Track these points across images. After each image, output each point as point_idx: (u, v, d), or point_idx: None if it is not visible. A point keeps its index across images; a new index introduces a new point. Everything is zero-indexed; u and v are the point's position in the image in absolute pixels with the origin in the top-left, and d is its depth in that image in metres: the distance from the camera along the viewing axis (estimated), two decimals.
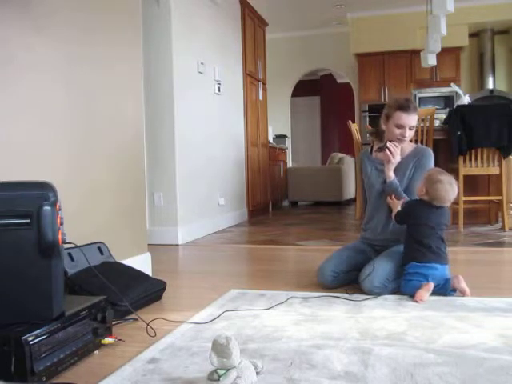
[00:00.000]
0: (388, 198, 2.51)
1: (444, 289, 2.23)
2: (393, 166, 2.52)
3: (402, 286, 2.29)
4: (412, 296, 2.21)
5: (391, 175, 2.53)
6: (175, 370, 1.49)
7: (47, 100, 2.19)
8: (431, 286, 2.19)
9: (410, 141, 2.68)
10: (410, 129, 2.51)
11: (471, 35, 8.22)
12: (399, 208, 2.44)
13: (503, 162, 4.43)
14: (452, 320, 1.91)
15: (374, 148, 2.70)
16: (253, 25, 6.43)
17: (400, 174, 2.56)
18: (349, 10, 8.12)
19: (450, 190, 2.30)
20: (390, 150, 2.50)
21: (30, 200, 1.47)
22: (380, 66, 8.34)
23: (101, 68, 2.56)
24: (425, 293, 2.17)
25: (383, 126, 2.59)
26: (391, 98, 2.68)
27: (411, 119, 2.49)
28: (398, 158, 2.52)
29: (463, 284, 2.24)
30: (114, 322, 1.84)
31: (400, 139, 2.53)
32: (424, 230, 2.31)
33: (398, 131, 2.51)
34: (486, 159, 4.47)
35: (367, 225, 2.71)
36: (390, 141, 2.54)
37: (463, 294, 2.23)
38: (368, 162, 2.71)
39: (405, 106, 2.48)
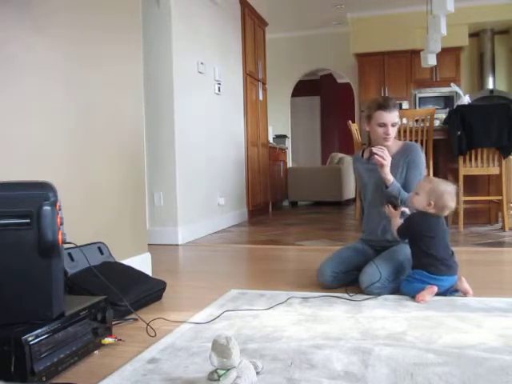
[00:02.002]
0: (386, 207, 2.44)
1: (447, 292, 2.23)
2: (388, 169, 2.49)
3: (403, 286, 2.28)
4: (413, 296, 2.22)
5: (390, 178, 2.49)
6: (175, 370, 1.49)
7: (47, 100, 2.19)
8: (435, 289, 2.18)
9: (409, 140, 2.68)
10: (393, 125, 2.52)
11: (471, 35, 8.22)
12: (399, 221, 2.36)
13: (503, 162, 4.43)
14: (452, 320, 1.91)
15: (365, 155, 2.71)
16: (253, 25, 6.43)
17: (393, 172, 2.56)
18: (349, 10, 8.13)
19: (455, 198, 2.27)
20: (377, 154, 2.47)
21: (30, 200, 1.47)
22: (380, 66, 8.35)
23: (101, 68, 2.56)
24: (428, 295, 2.16)
25: (367, 128, 2.62)
26: (370, 99, 2.69)
27: (392, 116, 2.50)
28: (388, 159, 2.49)
29: (466, 284, 2.23)
30: (114, 322, 1.84)
31: (385, 138, 2.54)
32: (433, 243, 2.24)
33: (381, 130, 2.53)
34: (486, 159, 4.47)
35: (366, 226, 2.71)
36: (372, 147, 2.55)
37: (466, 294, 2.22)
38: (359, 164, 2.74)
39: (384, 105, 2.50)
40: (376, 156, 2.47)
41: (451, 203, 2.25)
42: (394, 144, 2.63)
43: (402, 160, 2.57)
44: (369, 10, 8.07)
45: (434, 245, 2.24)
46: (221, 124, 5.30)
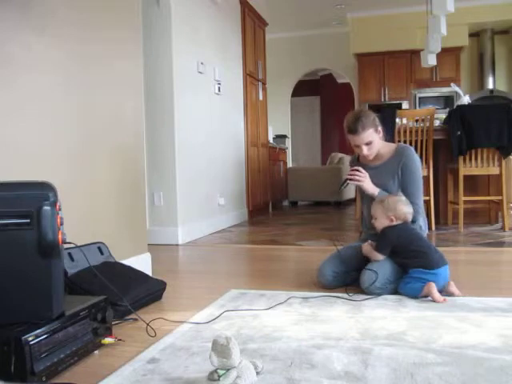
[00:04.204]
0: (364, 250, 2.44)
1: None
2: (367, 185, 2.53)
3: (402, 288, 2.28)
4: (411, 297, 2.22)
5: (373, 192, 2.53)
6: (175, 370, 1.49)
7: (47, 100, 2.19)
8: (433, 284, 2.18)
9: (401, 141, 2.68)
10: (368, 144, 2.53)
11: (471, 35, 8.22)
12: (371, 247, 2.39)
13: (503, 162, 4.43)
14: (452, 320, 1.91)
15: (361, 157, 2.72)
16: (253, 25, 6.43)
17: (387, 177, 2.56)
18: (349, 10, 8.13)
19: (406, 202, 2.40)
20: (352, 180, 2.54)
21: (30, 200, 1.47)
22: (380, 66, 8.35)
23: (101, 67, 2.56)
24: (437, 292, 2.17)
25: None
26: (348, 114, 2.70)
27: (362, 138, 2.51)
28: (364, 177, 2.53)
29: (452, 288, 2.24)
30: (113, 322, 1.84)
31: (362, 156, 2.59)
32: (418, 244, 2.33)
33: (356, 150, 2.59)
34: (486, 159, 4.47)
35: (365, 227, 2.72)
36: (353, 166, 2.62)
37: (453, 295, 2.23)
38: (355, 166, 2.72)
39: (352, 129, 2.51)
40: (350, 182, 2.55)
41: (407, 208, 2.38)
42: (386, 149, 2.63)
43: (395, 165, 2.57)
44: (369, 10, 8.07)
45: (419, 245, 2.32)
46: (221, 124, 5.30)
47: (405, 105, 8.19)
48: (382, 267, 2.33)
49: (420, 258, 2.27)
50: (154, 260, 3.03)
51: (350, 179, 2.56)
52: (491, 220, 5.01)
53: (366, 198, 2.65)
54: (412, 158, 2.57)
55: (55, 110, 2.25)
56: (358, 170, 2.56)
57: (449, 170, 4.92)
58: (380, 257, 2.35)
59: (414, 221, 2.52)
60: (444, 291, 2.24)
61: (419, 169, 2.60)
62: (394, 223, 2.36)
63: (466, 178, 4.52)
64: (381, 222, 2.38)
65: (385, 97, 8.34)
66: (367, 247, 2.41)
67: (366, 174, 2.54)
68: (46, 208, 1.47)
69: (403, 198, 2.41)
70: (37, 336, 1.43)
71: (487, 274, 2.85)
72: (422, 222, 2.60)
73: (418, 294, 2.21)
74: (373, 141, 2.53)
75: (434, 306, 2.10)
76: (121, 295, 1.98)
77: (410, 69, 8.25)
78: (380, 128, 2.57)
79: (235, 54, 5.84)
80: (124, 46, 2.78)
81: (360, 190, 2.73)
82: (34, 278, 1.49)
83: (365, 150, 2.54)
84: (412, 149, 2.62)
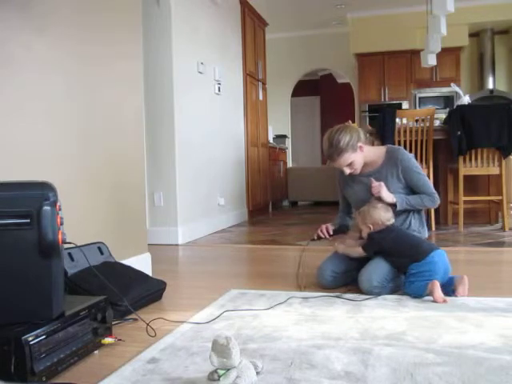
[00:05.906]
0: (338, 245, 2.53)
1: (446, 291, 2.23)
2: (386, 194, 2.45)
3: (406, 288, 2.28)
4: (416, 297, 2.22)
5: (392, 200, 2.46)
6: (175, 370, 1.49)
7: (47, 100, 2.19)
8: (437, 283, 2.18)
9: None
10: (348, 165, 2.50)
11: (471, 35, 8.22)
12: (356, 247, 2.47)
13: (503, 162, 4.43)
14: (452, 320, 1.91)
15: None
16: (253, 25, 6.43)
17: (387, 181, 2.52)
18: (349, 10, 8.13)
19: (382, 207, 2.42)
20: (374, 188, 2.49)
21: (30, 200, 1.47)
22: (380, 66, 8.35)
23: (101, 68, 2.56)
24: (440, 291, 2.17)
25: None
26: (325, 135, 2.64)
27: (340, 163, 2.49)
28: (379, 187, 2.46)
29: (461, 286, 2.24)
30: (113, 322, 1.84)
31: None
32: (406, 243, 2.37)
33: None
34: (486, 159, 4.47)
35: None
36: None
37: (458, 294, 2.23)
38: (344, 175, 2.65)
39: (329, 156, 2.50)
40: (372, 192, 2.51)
41: (382, 214, 2.41)
42: (376, 155, 2.59)
43: (393, 167, 2.53)
44: (369, 10, 8.06)
45: (407, 243, 2.37)
46: (221, 124, 5.30)
47: (405, 105, 8.19)
48: (378, 268, 2.33)
49: (411, 255, 2.30)
50: (153, 260, 3.03)
51: (372, 188, 2.49)
52: (491, 220, 5.01)
53: (360, 205, 2.59)
54: (406, 159, 2.54)
55: (55, 109, 2.25)
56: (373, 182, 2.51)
57: (449, 169, 4.92)
58: (360, 251, 2.43)
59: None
60: (454, 287, 2.25)
61: (416, 164, 2.57)
62: (376, 230, 2.39)
63: (466, 177, 4.52)
64: (364, 231, 2.45)
65: (385, 97, 8.34)
66: (341, 247, 2.52)
67: (382, 183, 2.48)
68: (46, 208, 1.47)
69: (379, 204, 2.42)
70: (37, 336, 1.43)
71: (487, 274, 2.85)
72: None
73: (422, 293, 2.21)
74: (353, 161, 2.50)
75: (433, 306, 2.10)
76: (121, 295, 1.98)
77: (410, 69, 8.25)
78: (361, 143, 2.49)
79: (235, 54, 5.84)
80: (124, 46, 2.78)
81: (351, 194, 2.68)
82: (34, 278, 1.49)
83: (347, 170, 2.53)
84: (402, 149, 2.60)
